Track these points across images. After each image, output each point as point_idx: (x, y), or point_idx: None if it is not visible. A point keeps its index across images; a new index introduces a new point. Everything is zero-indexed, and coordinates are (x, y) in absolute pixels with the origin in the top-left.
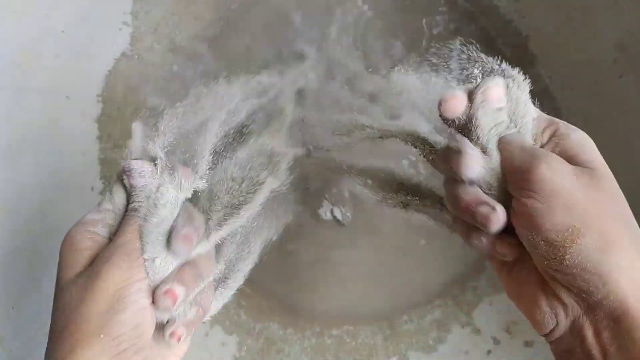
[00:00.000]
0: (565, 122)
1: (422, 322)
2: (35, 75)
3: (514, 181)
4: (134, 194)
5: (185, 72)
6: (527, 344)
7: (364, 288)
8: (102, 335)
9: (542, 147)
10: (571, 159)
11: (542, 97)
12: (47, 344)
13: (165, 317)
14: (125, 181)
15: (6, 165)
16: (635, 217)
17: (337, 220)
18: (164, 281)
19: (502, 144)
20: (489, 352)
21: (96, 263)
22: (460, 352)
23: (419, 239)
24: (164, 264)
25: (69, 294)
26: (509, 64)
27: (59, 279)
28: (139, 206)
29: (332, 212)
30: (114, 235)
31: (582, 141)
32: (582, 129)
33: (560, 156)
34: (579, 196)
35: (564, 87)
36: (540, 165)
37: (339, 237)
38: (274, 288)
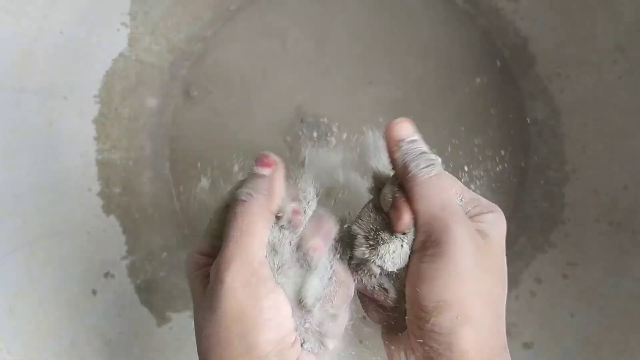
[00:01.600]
0: (474, 195)
1: None
2: (33, 75)
3: (421, 236)
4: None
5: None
6: (526, 345)
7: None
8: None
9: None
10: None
11: (541, 98)
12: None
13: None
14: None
15: (3, 166)
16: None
17: None
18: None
19: (430, 183)
20: None
21: (210, 286)
22: None
23: None
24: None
25: (201, 311)
26: (509, 64)
27: (193, 291)
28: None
29: None
30: None
31: (496, 215)
32: (582, 130)
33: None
34: (467, 274)
35: (563, 89)
36: (450, 229)
37: None
38: None
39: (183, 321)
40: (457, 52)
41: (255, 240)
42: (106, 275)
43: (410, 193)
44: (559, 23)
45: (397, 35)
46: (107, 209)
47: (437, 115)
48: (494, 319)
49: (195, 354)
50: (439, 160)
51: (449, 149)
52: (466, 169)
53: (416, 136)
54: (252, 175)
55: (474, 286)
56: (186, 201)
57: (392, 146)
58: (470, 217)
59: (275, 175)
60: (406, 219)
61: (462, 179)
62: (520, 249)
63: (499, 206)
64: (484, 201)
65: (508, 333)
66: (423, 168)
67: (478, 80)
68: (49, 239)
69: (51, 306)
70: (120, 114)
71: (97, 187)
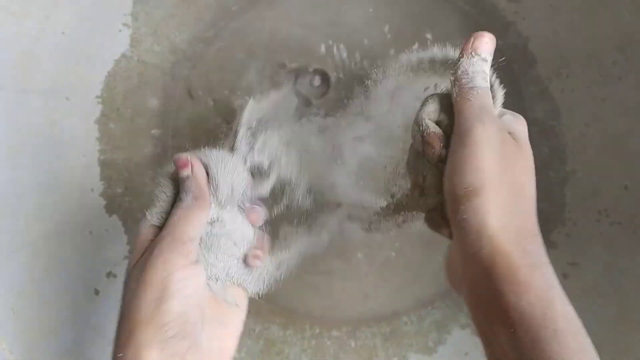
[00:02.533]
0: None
1: (422, 323)
2: (35, 76)
3: (456, 132)
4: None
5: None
6: None
7: (364, 289)
8: (151, 323)
9: None
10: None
11: (541, 98)
12: (117, 327)
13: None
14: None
15: (6, 166)
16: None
17: None
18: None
19: (470, 91)
20: None
21: (145, 256)
22: (460, 353)
23: (418, 241)
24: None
25: (128, 284)
26: (510, 65)
27: (127, 269)
28: (184, 196)
29: None
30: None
31: (519, 118)
32: (582, 130)
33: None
34: (491, 163)
35: (564, 89)
36: (477, 126)
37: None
38: (273, 289)
39: None
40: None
41: (188, 229)
42: (108, 275)
43: (459, 95)
44: (559, 23)
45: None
46: (110, 209)
47: None
48: (521, 206)
49: None
50: (489, 76)
51: None
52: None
53: (489, 57)
54: (181, 179)
55: (504, 172)
56: None
57: (467, 52)
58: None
59: (195, 174)
60: (437, 149)
61: None
62: None
63: None
64: (509, 112)
65: None
66: (479, 83)
67: None
68: (51, 239)
69: (53, 306)
70: (122, 115)
71: (99, 187)
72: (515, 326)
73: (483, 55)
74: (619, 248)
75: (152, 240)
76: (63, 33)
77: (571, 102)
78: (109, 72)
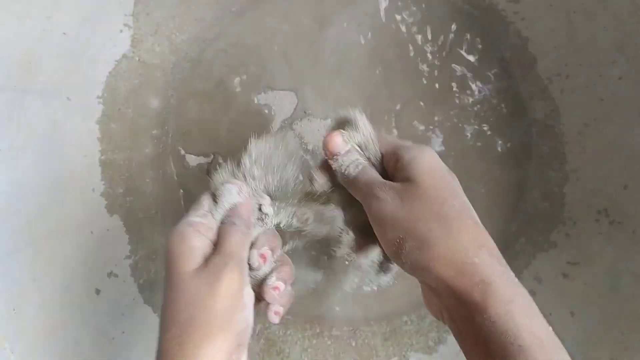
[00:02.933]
0: (405, 145)
1: (422, 322)
2: (36, 76)
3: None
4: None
5: (183, 73)
6: None
7: (364, 289)
8: (226, 331)
9: (390, 174)
10: (405, 178)
11: (541, 98)
12: (170, 328)
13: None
14: (222, 197)
15: (7, 166)
16: (635, 215)
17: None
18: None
19: (357, 179)
20: None
21: (215, 264)
22: (460, 352)
23: None
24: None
25: (194, 287)
26: (509, 65)
27: (177, 269)
28: (238, 221)
29: None
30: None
31: (412, 159)
32: (582, 130)
33: (399, 177)
34: (401, 214)
35: (563, 89)
36: (371, 202)
37: None
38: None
39: None
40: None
41: (245, 253)
42: (109, 274)
43: (349, 189)
44: (559, 24)
45: (395, 35)
46: (111, 209)
47: (437, 117)
48: (446, 227)
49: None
50: (362, 160)
51: (449, 149)
52: (465, 169)
53: (347, 147)
54: (236, 204)
55: (412, 215)
56: (189, 201)
57: (330, 158)
58: (396, 170)
59: (246, 204)
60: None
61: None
62: (521, 248)
63: (498, 206)
64: (402, 150)
65: None
66: (352, 172)
67: (478, 81)
68: (53, 239)
69: (54, 306)
70: (123, 115)
71: (100, 187)
72: (488, 345)
73: (340, 152)
74: (618, 248)
75: (207, 250)
76: (64, 33)
77: (571, 102)
78: (110, 73)
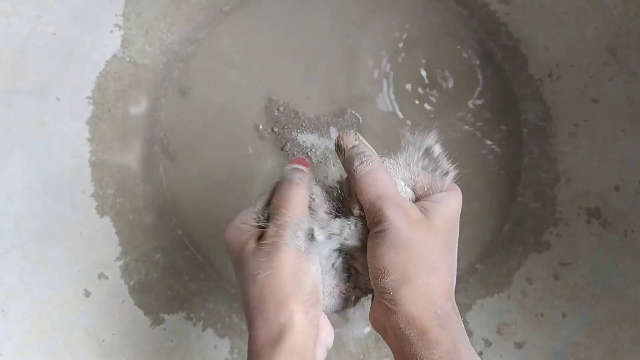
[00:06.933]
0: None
1: None
2: (26, 76)
3: (369, 223)
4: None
5: (174, 73)
6: (518, 345)
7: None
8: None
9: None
10: (426, 208)
11: (533, 99)
12: (249, 302)
13: None
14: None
15: None
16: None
17: None
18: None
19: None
20: (480, 353)
21: (274, 244)
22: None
23: None
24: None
25: (255, 264)
26: (501, 66)
27: (242, 252)
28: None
29: None
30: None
31: (442, 199)
32: (573, 131)
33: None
34: (399, 246)
35: (555, 90)
36: (389, 211)
37: None
38: None
39: (177, 322)
40: (449, 53)
41: (303, 212)
42: (100, 276)
43: (354, 188)
44: (550, 25)
45: (388, 35)
46: (101, 210)
47: (430, 118)
48: (433, 278)
49: (190, 354)
50: (375, 157)
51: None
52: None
53: (357, 142)
54: (294, 170)
55: (410, 254)
56: (180, 202)
57: (339, 153)
58: (420, 199)
59: (310, 174)
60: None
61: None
62: (512, 249)
63: (490, 207)
64: (439, 183)
65: (499, 332)
66: (358, 166)
67: (470, 82)
68: (42, 240)
69: (44, 307)
70: (113, 115)
71: (90, 188)
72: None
73: (350, 145)
74: (609, 248)
75: (257, 232)
76: (54, 33)
77: (562, 103)
78: (100, 73)
